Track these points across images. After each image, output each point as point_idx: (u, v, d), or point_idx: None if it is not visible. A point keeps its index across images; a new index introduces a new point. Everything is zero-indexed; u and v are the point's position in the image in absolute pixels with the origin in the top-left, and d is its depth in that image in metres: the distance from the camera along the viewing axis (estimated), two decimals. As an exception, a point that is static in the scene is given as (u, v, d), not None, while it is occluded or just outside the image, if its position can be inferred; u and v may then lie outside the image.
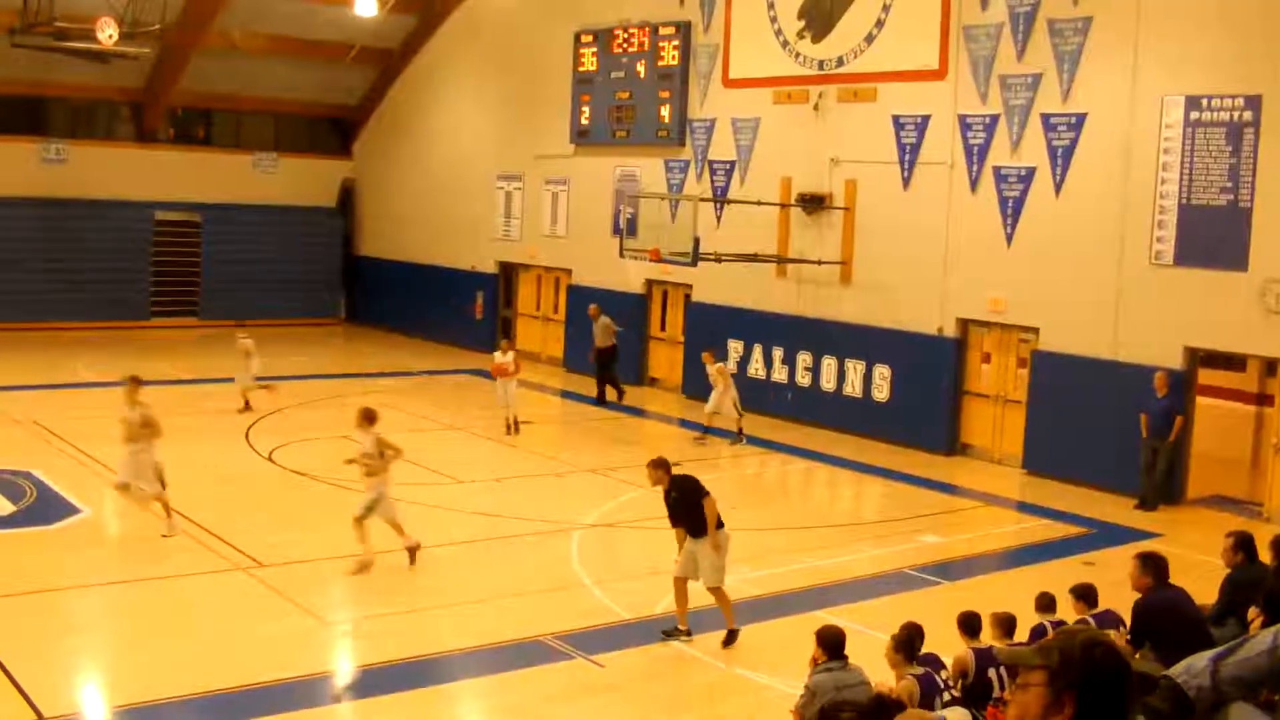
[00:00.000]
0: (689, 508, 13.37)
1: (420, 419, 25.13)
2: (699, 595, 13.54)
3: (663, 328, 29.68)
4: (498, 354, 24.60)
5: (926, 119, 23.71)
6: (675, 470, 13.79)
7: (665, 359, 29.52)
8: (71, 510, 17.63)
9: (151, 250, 37.20)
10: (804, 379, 25.78)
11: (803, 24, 25.88)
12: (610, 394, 27.82)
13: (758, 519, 18.71)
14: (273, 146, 39.25)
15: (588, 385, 29.11)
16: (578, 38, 30.87)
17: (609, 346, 27.92)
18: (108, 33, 28.98)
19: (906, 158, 24.05)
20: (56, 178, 35.49)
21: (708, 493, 13.37)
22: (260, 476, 20.31)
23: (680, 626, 13.40)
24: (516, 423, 24.27)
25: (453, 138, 36.14)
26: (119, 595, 14.67)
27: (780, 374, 26.23)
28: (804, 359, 25.80)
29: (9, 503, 17.76)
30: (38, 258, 34.97)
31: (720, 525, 13.37)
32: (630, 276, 29.34)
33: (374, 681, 12.48)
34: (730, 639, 13.36)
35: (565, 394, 29.47)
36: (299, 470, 20.42)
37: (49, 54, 30.27)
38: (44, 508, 17.69)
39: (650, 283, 29.43)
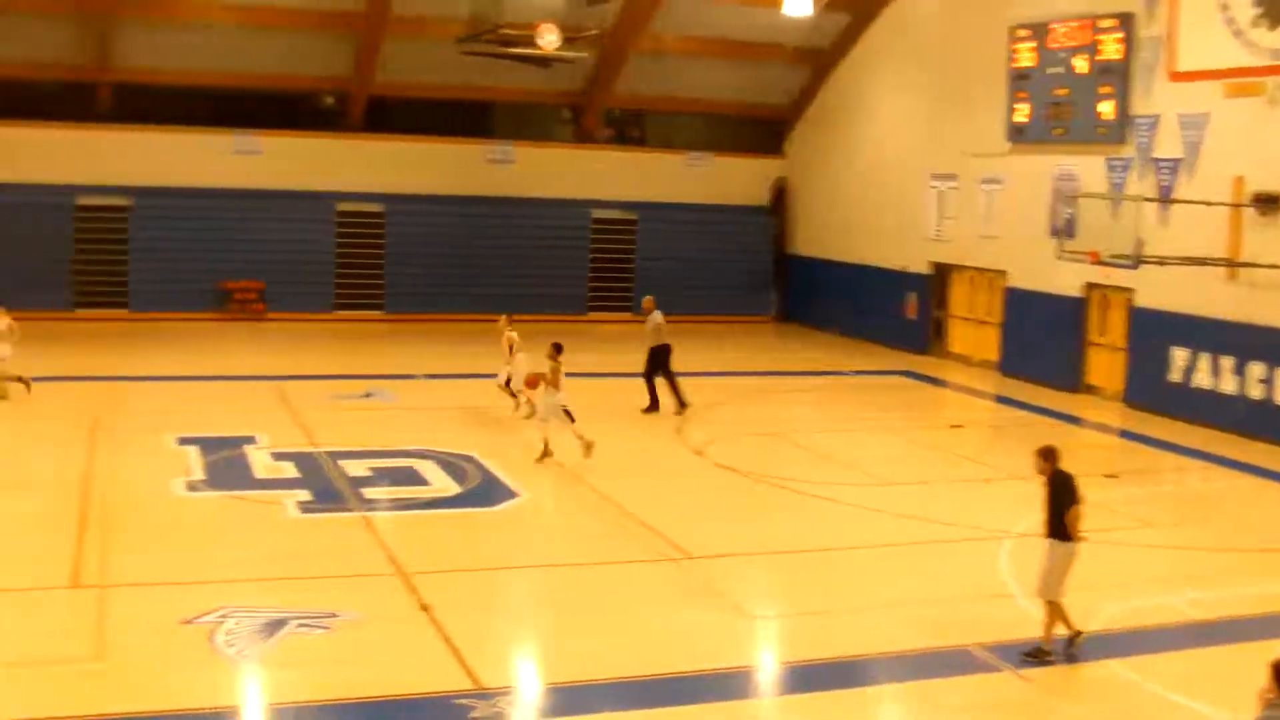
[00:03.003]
0: (1053, 505, 12.65)
1: (848, 419, 24.99)
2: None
3: (1102, 333, 28.42)
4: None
5: (1402, 111, 21.85)
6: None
7: (1105, 365, 28.21)
8: (510, 494, 18.37)
9: (589, 247, 38.53)
10: (1256, 391, 24.17)
11: (1259, 11, 24.21)
12: (660, 400, 24.63)
13: (1201, 538, 17.65)
14: (705, 146, 39.90)
15: (1023, 390, 28.30)
16: (1013, 32, 30.00)
17: (661, 345, 24.81)
18: (549, 38, 30.13)
19: (1377, 153, 22.23)
20: (501, 177, 37.23)
21: (1077, 500, 12.57)
22: (691, 470, 20.60)
23: (1046, 644, 12.64)
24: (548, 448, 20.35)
25: (884, 136, 35.81)
26: (553, 577, 15.17)
27: (1229, 385, 24.68)
28: (1256, 370, 24.18)
29: (455, 484, 18.75)
30: (484, 253, 36.86)
31: (1070, 537, 12.58)
32: (1068, 279, 28.23)
33: (792, 679, 12.43)
34: (1034, 655, 12.50)
35: (999, 398, 28.64)
36: (728, 465, 20.60)
37: (494, 60, 31.72)
38: (486, 490, 18.55)
39: (1089, 285, 28.24)
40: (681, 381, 24.66)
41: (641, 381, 24.65)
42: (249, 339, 32.41)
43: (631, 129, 40.52)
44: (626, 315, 38.27)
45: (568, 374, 20.41)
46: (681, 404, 24.48)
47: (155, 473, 18.65)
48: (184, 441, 20.58)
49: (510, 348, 23.57)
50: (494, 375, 24.26)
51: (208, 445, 20.36)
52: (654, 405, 24.45)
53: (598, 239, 38.75)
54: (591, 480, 19.09)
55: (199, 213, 35.15)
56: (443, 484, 18.74)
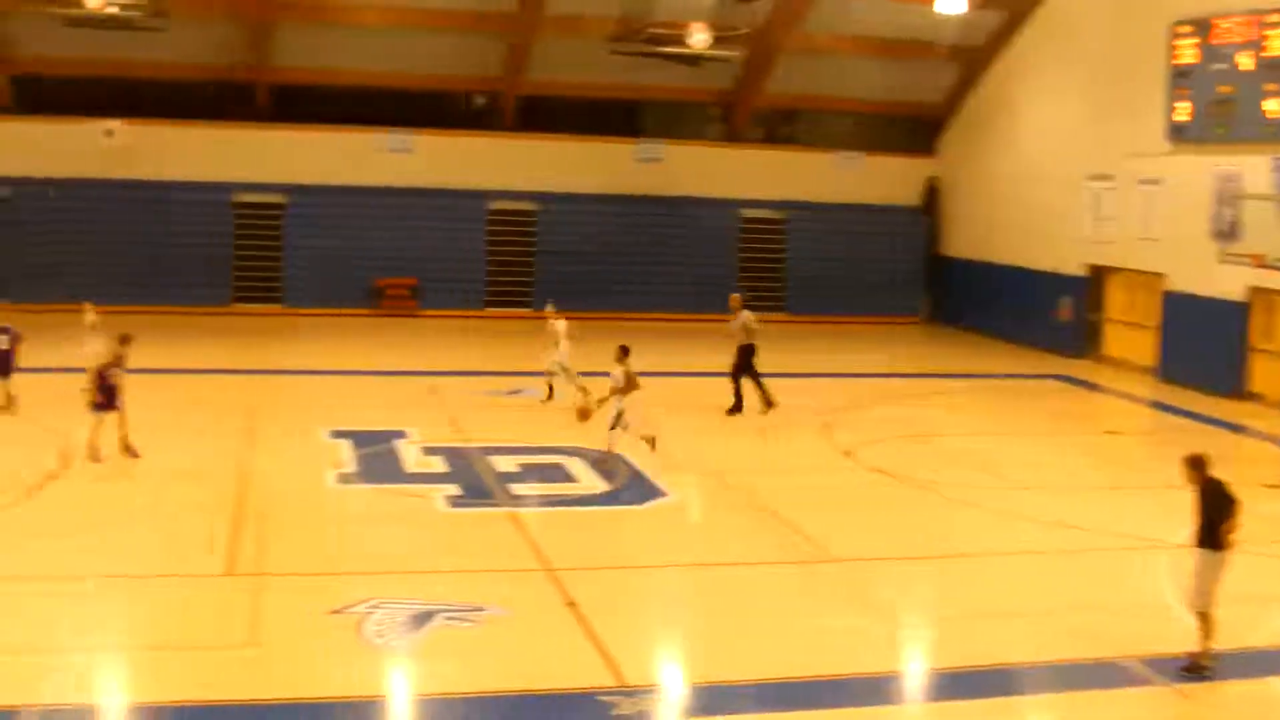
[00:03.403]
0: (1203, 514, 12.22)
1: (1000, 423, 24.61)
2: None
3: (1267, 338, 27.52)
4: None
5: None
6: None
7: (1269, 371, 27.29)
8: (658, 493, 18.39)
9: (738, 246, 38.46)
10: None
11: None
12: (745, 400, 23.95)
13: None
14: (856, 145, 39.54)
15: (1182, 396, 27.56)
16: (1174, 29, 29.24)
17: (747, 345, 23.92)
18: (699, 38, 30.12)
19: None
20: (651, 176, 37.29)
21: (1235, 508, 12.10)
22: (839, 472, 20.42)
23: (1203, 658, 12.18)
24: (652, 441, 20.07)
25: (1039, 135, 35.15)
26: (698, 576, 15.13)
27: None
28: None
29: (603, 481, 18.82)
30: (633, 252, 37.02)
31: (1222, 546, 12.14)
32: (1230, 282, 27.42)
33: (938, 685, 12.26)
34: (1192, 670, 12.07)
35: (1156, 405, 27.92)
36: (877, 467, 20.38)
37: (644, 59, 31.78)
38: (633, 489, 18.57)
39: (1253, 289, 27.38)
40: (769, 382, 24.10)
41: (751, 382, 24.00)
42: (401, 335, 32.87)
43: (781, 127, 40.33)
44: (780, 315, 38.16)
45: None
46: (768, 403, 23.88)
47: (308, 465, 19.01)
48: (336, 435, 20.92)
49: (557, 337, 23.88)
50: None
51: (360, 439, 20.67)
52: (738, 406, 23.87)
53: (747, 238, 38.66)
54: (739, 481, 19.02)
55: (353, 210, 35.79)
56: (590, 481, 18.81)
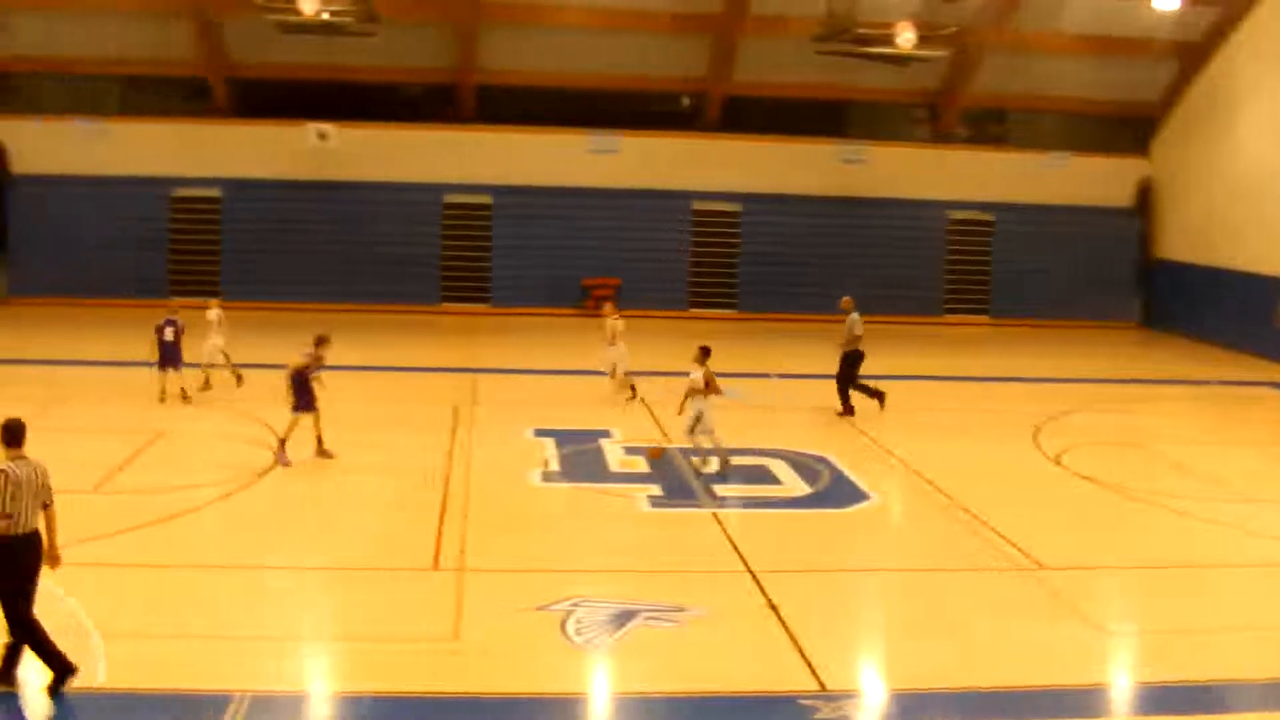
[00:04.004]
0: None
1: (1214, 431, 23.83)
2: None
3: None
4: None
5: None
6: None
7: None
8: (861, 496, 18.22)
9: (946, 250, 37.96)
10: None
11: None
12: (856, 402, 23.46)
13: None
14: (1064, 145, 38.62)
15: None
16: None
17: (853, 351, 23.35)
18: (906, 37, 29.75)
19: None
20: (853, 177, 36.97)
21: None
22: (1047, 479, 19.98)
23: None
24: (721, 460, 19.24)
25: (1260, 134, 33.82)
26: (901, 582, 14.95)
27: None
28: None
29: (806, 484, 18.70)
30: (837, 253, 36.75)
31: None
32: None
33: (1149, 699, 11.88)
34: None
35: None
36: (1086, 475, 19.86)
37: (849, 59, 31.52)
38: (837, 491, 18.44)
39: None
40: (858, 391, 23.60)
41: (849, 386, 23.53)
42: (605, 335, 33.05)
43: (990, 127, 39.61)
44: (983, 318, 37.65)
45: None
46: (846, 409, 23.32)
47: (512, 462, 19.27)
48: (541, 433, 21.19)
49: (613, 336, 24.14)
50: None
51: (563, 438, 20.91)
52: (849, 409, 23.34)
53: (954, 240, 38.11)
54: (945, 486, 18.71)
55: (557, 210, 36.24)
56: (793, 484, 18.72)
